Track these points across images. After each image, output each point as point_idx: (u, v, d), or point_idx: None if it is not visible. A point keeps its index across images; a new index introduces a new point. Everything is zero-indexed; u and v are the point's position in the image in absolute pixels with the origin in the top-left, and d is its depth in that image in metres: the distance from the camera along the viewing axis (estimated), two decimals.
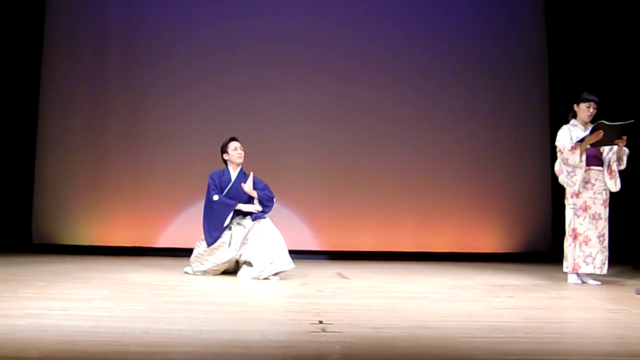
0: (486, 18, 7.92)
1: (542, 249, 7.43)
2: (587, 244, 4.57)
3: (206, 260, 4.82)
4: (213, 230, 4.81)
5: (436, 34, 7.82)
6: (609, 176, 4.63)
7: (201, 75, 7.59)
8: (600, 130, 4.45)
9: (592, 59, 7.56)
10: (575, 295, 3.97)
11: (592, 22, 7.63)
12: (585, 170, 4.59)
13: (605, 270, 4.57)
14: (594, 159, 4.65)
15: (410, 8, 7.88)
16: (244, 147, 5.01)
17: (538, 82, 7.90)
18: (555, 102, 7.55)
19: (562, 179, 4.71)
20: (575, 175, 4.60)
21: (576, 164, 4.57)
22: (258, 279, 4.53)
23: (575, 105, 4.78)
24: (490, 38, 7.87)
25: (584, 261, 4.56)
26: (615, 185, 4.63)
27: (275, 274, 4.58)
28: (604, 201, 4.64)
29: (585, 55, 7.61)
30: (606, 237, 4.61)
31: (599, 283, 4.59)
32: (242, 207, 4.82)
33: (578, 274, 4.65)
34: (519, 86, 7.84)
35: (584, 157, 4.56)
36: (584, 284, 4.58)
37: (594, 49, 7.59)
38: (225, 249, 4.76)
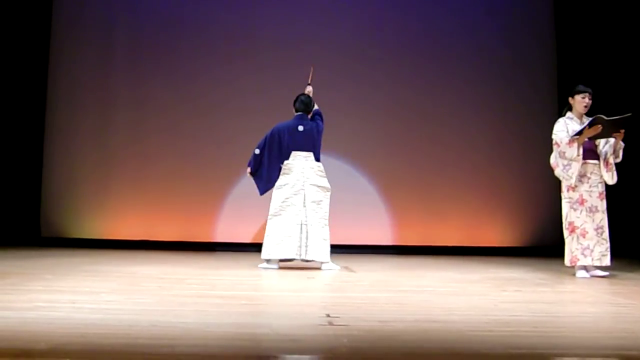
0: (494, 13, 7.86)
1: (549, 243, 7.39)
2: (584, 237, 4.56)
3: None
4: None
5: (443, 31, 7.78)
6: (605, 169, 4.63)
7: (208, 70, 7.59)
8: (599, 125, 4.45)
9: (600, 54, 7.50)
10: (583, 290, 3.95)
11: (601, 16, 7.56)
12: (581, 164, 4.59)
13: (606, 261, 4.56)
14: (590, 153, 4.65)
15: (415, 3, 7.85)
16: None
17: (546, 76, 7.85)
18: (563, 97, 7.45)
19: (558, 173, 4.71)
20: (571, 168, 4.59)
21: (573, 157, 4.57)
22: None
23: (570, 98, 4.78)
24: (498, 33, 7.82)
25: (582, 254, 4.56)
26: (612, 178, 4.63)
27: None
28: (600, 194, 4.63)
29: (594, 50, 7.55)
30: (605, 229, 4.60)
31: (606, 273, 4.58)
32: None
33: (585, 267, 4.63)
34: (527, 81, 7.79)
35: (580, 151, 4.56)
36: (592, 278, 4.56)
37: (603, 44, 7.53)
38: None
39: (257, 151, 5.02)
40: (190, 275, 4.37)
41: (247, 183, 7.45)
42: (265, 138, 5.02)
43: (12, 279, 3.78)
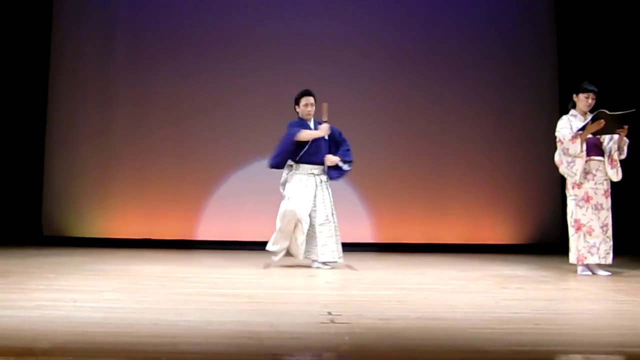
0: (495, 12, 7.85)
1: (551, 240, 7.40)
2: (590, 235, 4.54)
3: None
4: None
5: (445, 30, 7.76)
6: (610, 166, 4.60)
7: (210, 68, 7.57)
8: (602, 120, 4.43)
9: (602, 51, 7.48)
10: (585, 287, 3.95)
11: (602, 14, 7.55)
12: (586, 161, 4.56)
13: (610, 260, 4.54)
14: (595, 149, 4.62)
15: (416, 3, 7.84)
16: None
17: (547, 73, 7.84)
18: (565, 93, 7.47)
19: (563, 170, 4.68)
20: (575, 165, 4.57)
21: (577, 153, 4.55)
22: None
23: (574, 95, 4.76)
24: (500, 32, 7.81)
25: (589, 252, 4.54)
26: (616, 174, 4.61)
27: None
28: (606, 191, 4.61)
29: (595, 45, 7.53)
30: (610, 226, 4.58)
31: (609, 274, 4.56)
32: (313, 134, 4.85)
33: (587, 265, 4.62)
34: (528, 77, 7.78)
35: (584, 147, 4.53)
36: (594, 275, 4.55)
37: (604, 42, 7.52)
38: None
39: None
40: (191, 273, 4.37)
41: (248, 181, 7.48)
42: None
43: (14, 278, 3.79)
